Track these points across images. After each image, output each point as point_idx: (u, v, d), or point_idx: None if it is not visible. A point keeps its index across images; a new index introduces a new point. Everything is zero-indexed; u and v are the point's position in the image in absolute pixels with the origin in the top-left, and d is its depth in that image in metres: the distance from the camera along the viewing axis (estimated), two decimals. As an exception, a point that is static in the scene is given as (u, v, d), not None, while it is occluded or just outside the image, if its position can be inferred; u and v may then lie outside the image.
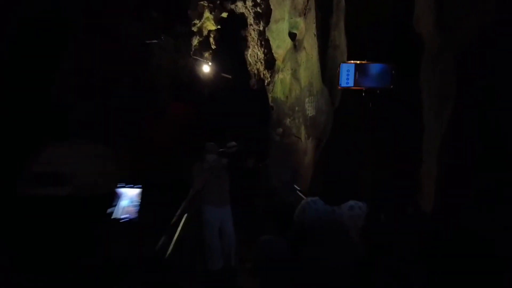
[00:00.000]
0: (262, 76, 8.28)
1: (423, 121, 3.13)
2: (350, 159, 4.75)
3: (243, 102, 8.71)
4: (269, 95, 8.08)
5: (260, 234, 2.13)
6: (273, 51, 7.79)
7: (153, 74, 6.22)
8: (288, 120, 6.96)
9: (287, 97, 7.11)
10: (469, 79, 2.19)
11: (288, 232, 1.78)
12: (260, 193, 4.66)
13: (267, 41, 7.86)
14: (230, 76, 8.29)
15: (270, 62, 8.05)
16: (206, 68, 7.90)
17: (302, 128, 6.14)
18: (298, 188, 5.32)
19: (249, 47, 8.33)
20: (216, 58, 8.23)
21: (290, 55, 7.07)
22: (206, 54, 7.87)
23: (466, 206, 2.28)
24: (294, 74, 6.75)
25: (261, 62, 8.12)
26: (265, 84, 8.17)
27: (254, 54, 8.28)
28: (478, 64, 2.18)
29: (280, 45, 7.50)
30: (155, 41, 5.97)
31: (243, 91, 8.60)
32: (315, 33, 5.56)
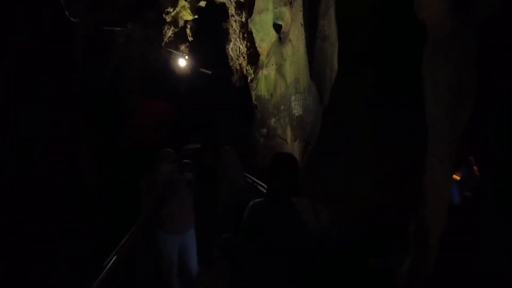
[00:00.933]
0: (245, 72, 7.83)
1: (428, 121, 2.74)
2: (341, 165, 4.36)
3: (224, 101, 8.23)
4: (253, 93, 7.64)
5: (220, 234, 2.28)
6: (256, 45, 7.36)
7: (116, 66, 5.62)
8: (273, 120, 6.52)
9: (271, 95, 6.67)
10: (494, 68, 1.77)
11: (240, 234, 1.95)
12: (219, 192, 4.08)
13: (250, 33, 7.42)
14: (209, 72, 7.78)
15: (253, 56, 7.60)
16: (182, 62, 7.35)
17: (288, 129, 5.71)
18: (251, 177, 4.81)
19: (230, 40, 7.86)
20: (193, 51, 7.69)
21: (275, 49, 6.65)
22: (182, 47, 7.33)
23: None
24: (279, 70, 6.33)
25: (243, 57, 7.67)
26: (248, 81, 7.72)
27: (236, 48, 7.82)
28: (505, 48, 1.76)
29: (264, 38, 7.07)
30: (118, 28, 5.36)
31: (224, 88, 8.12)
32: (302, 22, 5.14)
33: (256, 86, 7.50)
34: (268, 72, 6.94)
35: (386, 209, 3.92)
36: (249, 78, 7.71)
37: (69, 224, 3.72)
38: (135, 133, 6.00)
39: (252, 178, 4.78)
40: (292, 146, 5.44)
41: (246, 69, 7.76)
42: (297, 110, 5.34)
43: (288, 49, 5.97)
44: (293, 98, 5.53)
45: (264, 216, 1.82)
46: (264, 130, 6.89)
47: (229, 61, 8.09)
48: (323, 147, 4.61)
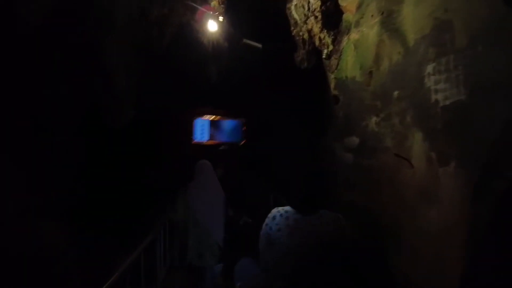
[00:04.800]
0: (317, 43, 5.37)
1: None
2: None
3: (281, 93, 5.78)
4: (331, 76, 5.12)
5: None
6: (337, -5, 4.89)
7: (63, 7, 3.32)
8: (373, 120, 3.92)
9: (370, 73, 4.08)
10: None
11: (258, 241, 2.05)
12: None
13: (326, -23, 4.96)
14: (259, 45, 5.41)
15: (331, 16, 5.12)
16: (212, 27, 5.06)
17: (418, 136, 3.05)
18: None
19: (293, -6, 5.46)
20: (232, 10, 5.34)
21: (375, -9, 4.06)
22: (214, 1, 5.03)
23: None
24: (387, 24, 3.74)
25: (315, 17, 5.22)
26: (323, 56, 5.22)
27: (302, 4, 5.40)
28: None
29: (352, -20, 4.57)
30: None
31: (282, 71, 5.66)
32: None
33: (338, 64, 4.95)
34: (361, 34, 4.37)
35: None
36: (325, 52, 5.20)
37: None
38: (116, 149, 3.84)
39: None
40: (432, 173, 2.75)
41: (320, 38, 5.27)
42: (445, 94, 2.67)
43: (410, -23, 3.35)
44: (430, 69, 2.87)
45: (289, 225, 1.89)
46: (354, 140, 4.31)
47: (291, 27, 5.67)
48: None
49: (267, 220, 2.02)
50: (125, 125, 4.09)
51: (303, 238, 1.83)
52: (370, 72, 4.06)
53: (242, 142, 2.08)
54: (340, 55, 4.92)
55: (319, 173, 2.03)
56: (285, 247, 1.85)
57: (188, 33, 4.95)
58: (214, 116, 1.83)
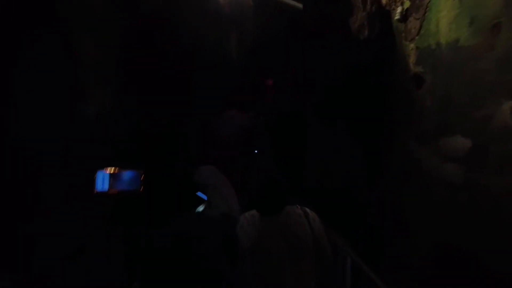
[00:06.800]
0: (384, 0, 3.84)
1: None
2: None
3: (329, 73, 4.33)
4: (409, 46, 3.59)
5: None
6: None
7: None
8: (504, 108, 2.35)
9: (494, 28, 2.52)
10: None
11: (230, 250, 2.02)
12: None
13: None
14: (299, 6, 3.94)
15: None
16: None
17: None
18: None
19: None
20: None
21: None
22: None
23: None
24: None
25: (383, -38, 3.69)
26: (396, 18, 3.70)
27: None
28: None
29: None
30: None
31: (330, 42, 4.19)
32: None
33: (420, 27, 3.41)
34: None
35: None
36: (398, 11, 3.69)
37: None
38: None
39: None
40: None
41: (390, -8, 3.74)
42: None
43: None
44: None
45: (260, 230, 1.91)
46: (460, 142, 2.75)
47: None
48: None
49: (237, 231, 1.98)
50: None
51: (272, 241, 1.85)
52: (495, 27, 2.48)
53: (141, 189, 2.10)
54: (425, 13, 3.36)
55: (272, 170, 1.93)
56: (260, 255, 1.86)
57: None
58: (114, 169, 1.91)
